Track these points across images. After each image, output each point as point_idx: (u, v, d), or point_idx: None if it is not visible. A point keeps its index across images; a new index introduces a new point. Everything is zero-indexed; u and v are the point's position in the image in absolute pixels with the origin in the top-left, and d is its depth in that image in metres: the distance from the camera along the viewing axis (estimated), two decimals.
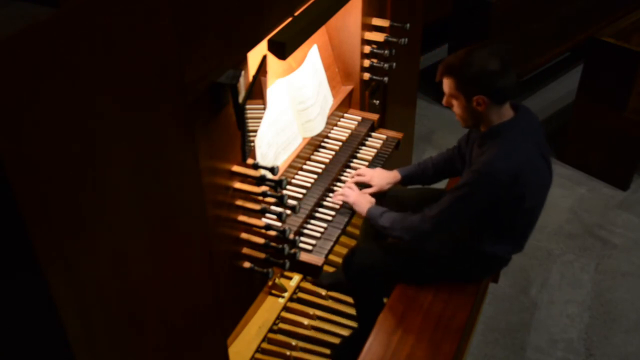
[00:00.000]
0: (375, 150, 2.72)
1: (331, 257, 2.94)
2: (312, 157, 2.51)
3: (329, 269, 2.98)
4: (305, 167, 2.46)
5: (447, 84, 2.15)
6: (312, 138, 2.48)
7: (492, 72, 2.03)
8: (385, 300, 2.47)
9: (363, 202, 2.36)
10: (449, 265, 2.36)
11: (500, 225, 2.24)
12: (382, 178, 2.51)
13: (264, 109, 1.87)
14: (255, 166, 1.85)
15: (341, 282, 2.80)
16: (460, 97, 2.12)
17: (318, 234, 2.25)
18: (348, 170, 2.59)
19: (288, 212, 1.95)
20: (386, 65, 2.69)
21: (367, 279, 2.47)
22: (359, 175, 2.52)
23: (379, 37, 2.64)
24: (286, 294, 2.81)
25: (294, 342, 2.64)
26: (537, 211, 2.26)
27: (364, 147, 2.73)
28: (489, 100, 2.07)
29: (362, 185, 2.50)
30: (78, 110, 1.08)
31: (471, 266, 2.36)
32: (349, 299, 2.83)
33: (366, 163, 2.63)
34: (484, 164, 2.08)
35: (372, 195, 2.45)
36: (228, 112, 1.68)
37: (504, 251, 2.31)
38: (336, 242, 2.26)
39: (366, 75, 2.71)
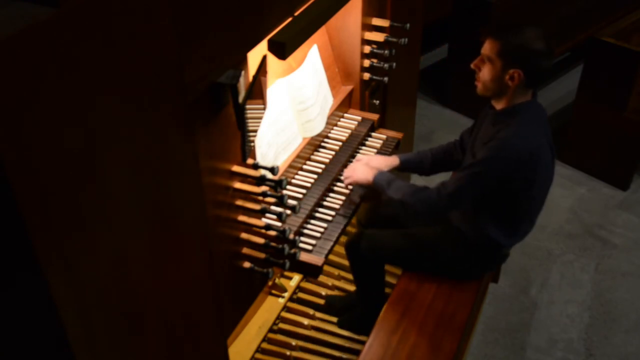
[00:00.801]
0: (375, 151, 2.72)
1: (331, 257, 2.95)
2: (312, 157, 2.51)
3: (331, 269, 2.97)
4: (305, 167, 2.46)
5: (488, 46, 2.10)
6: (312, 138, 2.48)
7: (536, 51, 2.02)
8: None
9: (364, 173, 2.37)
10: (451, 253, 2.37)
11: (504, 208, 2.24)
12: (380, 161, 2.52)
13: (264, 109, 1.87)
14: (255, 166, 1.85)
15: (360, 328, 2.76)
16: (496, 64, 2.08)
17: (318, 234, 2.25)
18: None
19: (288, 212, 1.95)
20: (386, 65, 2.69)
21: (371, 263, 2.49)
22: (357, 160, 2.54)
23: (379, 37, 2.64)
24: (286, 294, 2.81)
25: (294, 342, 2.64)
26: (540, 200, 2.27)
27: (364, 147, 2.73)
28: (524, 77, 2.06)
29: None
30: (78, 110, 1.08)
31: (470, 256, 2.36)
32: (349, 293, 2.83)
33: None
34: (502, 140, 2.08)
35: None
36: (228, 112, 1.68)
37: (506, 238, 2.31)
38: (336, 242, 2.25)
39: (366, 75, 2.71)
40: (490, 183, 2.13)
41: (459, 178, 2.17)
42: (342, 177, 2.45)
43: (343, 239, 2.83)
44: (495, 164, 2.10)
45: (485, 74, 2.13)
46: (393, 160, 2.55)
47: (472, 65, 2.18)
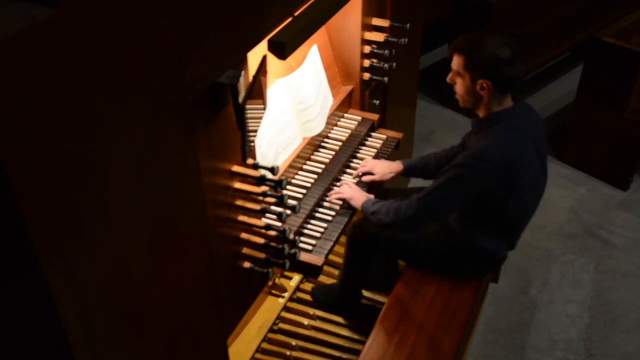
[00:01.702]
0: (375, 150, 2.72)
1: (331, 257, 2.95)
2: (312, 157, 2.51)
3: (331, 270, 2.98)
4: (305, 167, 2.46)
5: (455, 61, 2.17)
6: (312, 138, 2.48)
7: (501, 60, 2.06)
8: (384, 300, 2.47)
9: (359, 196, 2.37)
10: (443, 257, 2.38)
11: (490, 218, 2.25)
12: (384, 167, 2.54)
13: (264, 109, 1.88)
14: (255, 166, 1.85)
15: (335, 301, 2.79)
16: (465, 77, 2.15)
17: (318, 234, 2.25)
18: (348, 170, 2.60)
19: (288, 212, 1.95)
20: (386, 65, 2.69)
21: (370, 249, 2.50)
22: (363, 165, 2.56)
23: (379, 37, 2.64)
24: (286, 294, 2.81)
25: (294, 342, 2.64)
26: (529, 208, 2.27)
27: (364, 147, 2.73)
28: (493, 86, 2.10)
29: (361, 184, 2.51)
30: (78, 110, 1.08)
31: (463, 261, 2.37)
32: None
33: None
34: (477, 150, 2.11)
35: (373, 187, 2.47)
36: (228, 112, 1.68)
37: (495, 247, 2.32)
38: (336, 242, 2.26)
39: (366, 75, 2.71)
40: (464, 190, 2.14)
41: (432, 184, 2.19)
42: (335, 189, 2.42)
43: (343, 239, 2.83)
44: (467, 172, 2.10)
45: (459, 87, 2.20)
46: (397, 166, 2.57)
47: (447, 80, 2.25)
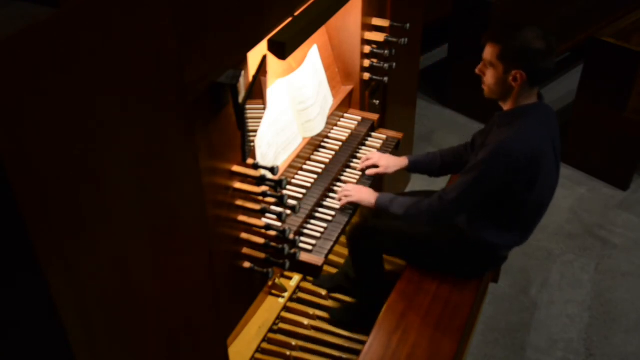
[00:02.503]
0: (375, 151, 2.72)
1: (331, 257, 2.95)
2: (312, 157, 2.51)
3: (330, 269, 2.98)
4: (305, 167, 2.46)
5: (489, 51, 2.14)
6: (312, 138, 2.48)
7: (537, 51, 2.04)
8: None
9: (367, 195, 2.36)
10: (445, 253, 2.38)
11: (503, 212, 2.24)
12: (389, 160, 2.55)
13: (264, 109, 1.87)
14: (255, 166, 1.85)
15: (342, 284, 2.81)
16: (498, 67, 2.12)
17: (318, 234, 2.25)
18: (348, 170, 2.59)
19: (288, 212, 1.95)
20: (386, 65, 2.69)
21: (372, 253, 2.52)
22: (367, 159, 2.56)
23: (379, 37, 2.64)
24: (286, 294, 2.81)
25: (294, 342, 2.64)
26: (544, 203, 2.27)
27: (364, 147, 2.73)
28: (526, 77, 2.08)
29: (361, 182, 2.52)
30: (78, 110, 1.08)
31: (466, 256, 2.37)
32: (350, 299, 2.83)
33: None
34: (501, 143, 2.10)
35: (374, 183, 2.48)
36: (228, 112, 1.68)
37: (502, 241, 2.32)
38: (336, 242, 2.25)
39: (366, 75, 2.71)
40: (491, 185, 2.14)
41: (461, 183, 2.18)
42: (339, 193, 2.40)
43: (343, 239, 2.83)
44: (494, 166, 2.10)
45: (489, 78, 2.16)
46: (402, 161, 2.57)
47: (476, 71, 2.21)
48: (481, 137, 2.37)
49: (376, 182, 2.61)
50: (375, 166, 2.55)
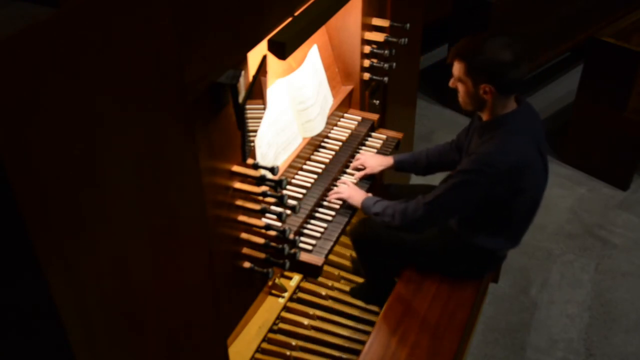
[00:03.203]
0: (375, 151, 2.72)
1: (331, 257, 2.95)
2: (312, 157, 2.51)
3: (332, 270, 2.98)
4: (305, 167, 2.46)
5: (456, 67, 2.14)
6: (312, 138, 2.48)
7: (502, 63, 2.03)
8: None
9: (357, 195, 2.37)
10: (441, 257, 2.38)
11: (492, 218, 2.25)
12: (375, 160, 2.55)
13: (264, 109, 1.87)
14: (255, 166, 1.85)
15: (371, 297, 2.81)
16: (467, 82, 2.12)
17: (318, 234, 2.25)
18: (348, 170, 2.60)
19: (288, 212, 1.95)
20: (386, 65, 2.69)
21: (375, 249, 2.52)
22: (356, 159, 2.57)
23: (379, 37, 2.64)
24: (286, 294, 2.81)
25: (294, 342, 2.64)
26: (533, 207, 2.27)
27: (364, 147, 2.73)
28: (495, 90, 2.08)
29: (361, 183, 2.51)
30: (78, 110, 1.08)
31: (462, 260, 2.37)
32: (349, 299, 2.84)
33: None
34: (483, 155, 2.10)
35: (374, 185, 2.48)
36: (228, 112, 1.68)
37: (494, 246, 2.32)
38: (336, 242, 2.26)
39: (366, 75, 2.71)
40: (472, 194, 2.14)
41: (438, 188, 2.19)
42: (331, 192, 2.41)
43: (343, 239, 2.84)
44: (473, 177, 2.10)
45: (461, 92, 2.18)
46: (388, 161, 2.57)
47: (450, 85, 2.23)
48: (465, 139, 2.38)
49: (374, 184, 2.60)
50: (363, 167, 2.55)
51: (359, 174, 2.53)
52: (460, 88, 2.17)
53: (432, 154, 2.57)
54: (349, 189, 2.39)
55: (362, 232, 2.52)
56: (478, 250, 2.32)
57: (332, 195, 2.39)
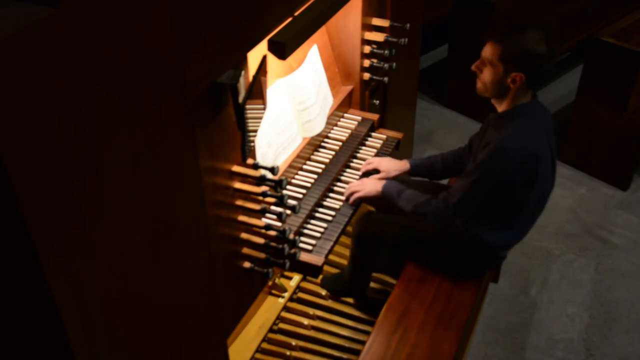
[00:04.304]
0: (375, 151, 2.72)
1: (331, 257, 2.95)
2: (312, 157, 2.51)
3: (330, 269, 2.98)
4: (305, 167, 2.46)
5: (490, 50, 2.12)
6: (312, 138, 2.48)
7: (539, 55, 2.04)
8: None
9: (372, 185, 2.37)
10: (445, 252, 2.38)
11: (502, 211, 2.24)
12: (390, 164, 2.55)
13: (264, 109, 1.87)
14: (255, 166, 1.85)
15: (346, 287, 2.80)
16: (498, 68, 2.10)
17: (318, 234, 2.25)
18: (348, 170, 2.60)
19: (288, 212, 1.95)
20: (386, 65, 2.69)
21: (372, 243, 2.52)
22: (368, 163, 2.57)
23: (379, 37, 2.64)
24: (286, 294, 2.81)
25: (294, 342, 2.64)
26: (541, 203, 2.28)
27: (364, 147, 2.73)
28: (526, 80, 2.08)
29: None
30: (78, 110, 1.08)
31: (465, 255, 2.37)
32: (350, 299, 2.83)
33: None
34: (499, 143, 2.10)
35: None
36: (228, 112, 1.68)
37: (501, 241, 2.32)
38: (336, 242, 2.26)
39: (366, 75, 2.71)
40: (492, 186, 2.15)
41: (462, 186, 2.18)
42: (345, 192, 2.41)
43: (343, 239, 2.84)
44: (494, 166, 2.11)
45: (486, 76, 2.15)
46: (403, 165, 2.57)
47: (472, 68, 2.20)
48: (477, 140, 2.38)
49: None
50: (376, 171, 2.55)
51: (374, 177, 2.51)
52: (486, 72, 2.14)
53: (447, 158, 2.56)
54: (362, 185, 2.38)
55: (366, 226, 2.51)
56: (481, 245, 2.32)
57: (352, 198, 2.38)
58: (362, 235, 2.53)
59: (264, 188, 1.87)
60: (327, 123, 2.55)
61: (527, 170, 2.11)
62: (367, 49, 2.65)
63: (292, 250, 2.00)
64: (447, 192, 2.24)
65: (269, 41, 1.80)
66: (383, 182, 2.38)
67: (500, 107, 2.22)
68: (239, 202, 1.85)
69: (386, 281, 2.85)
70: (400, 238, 2.46)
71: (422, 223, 2.39)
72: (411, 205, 2.29)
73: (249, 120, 1.73)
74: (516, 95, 2.14)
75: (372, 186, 2.38)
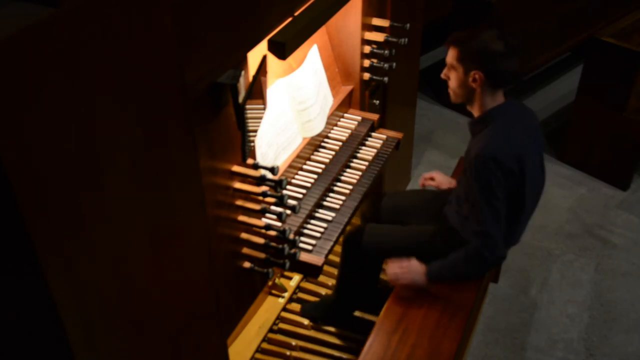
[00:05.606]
0: (375, 150, 2.72)
1: (331, 257, 2.95)
2: (312, 157, 2.51)
3: (327, 272, 2.98)
4: (305, 167, 2.46)
5: (450, 54, 2.20)
6: (312, 138, 2.48)
7: (494, 51, 2.09)
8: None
9: (417, 272, 2.30)
10: (447, 252, 2.38)
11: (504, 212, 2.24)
12: (444, 178, 2.68)
13: (264, 109, 1.88)
14: (255, 166, 1.85)
15: (330, 314, 2.75)
16: (459, 69, 2.17)
17: (318, 234, 2.25)
18: (348, 170, 2.59)
19: (288, 212, 1.95)
20: (386, 65, 2.69)
21: (367, 257, 2.51)
22: (425, 178, 2.70)
23: (379, 37, 2.64)
24: (286, 294, 2.81)
25: (294, 342, 2.64)
26: (534, 200, 2.28)
27: (364, 147, 2.73)
28: (485, 78, 2.12)
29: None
30: (78, 110, 1.08)
31: None
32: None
33: (366, 163, 2.63)
34: (481, 149, 2.10)
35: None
36: (228, 112, 1.68)
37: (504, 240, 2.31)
38: (336, 242, 2.26)
39: (366, 75, 2.71)
40: (501, 193, 2.13)
41: (479, 210, 2.15)
42: (389, 276, 2.31)
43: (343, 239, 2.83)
44: (489, 178, 2.11)
45: (452, 81, 2.22)
46: (453, 182, 2.63)
47: (442, 76, 2.27)
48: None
49: (376, 182, 2.61)
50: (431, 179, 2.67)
51: (428, 182, 2.66)
52: (452, 76, 2.21)
53: None
54: (409, 273, 2.30)
55: (359, 239, 2.49)
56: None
57: (398, 284, 2.31)
58: (353, 250, 2.51)
59: (264, 188, 1.87)
60: (327, 123, 2.55)
61: (515, 170, 2.11)
62: (367, 49, 2.65)
63: (292, 250, 2.00)
64: (474, 232, 2.20)
65: (269, 41, 1.80)
66: (423, 267, 2.30)
67: (475, 112, 2.25)
68: (239, 202, 1.85)
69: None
70: (400, 245, 2.45)
71: (413, 229, 2.40)
72: (462, 269, 2.26)
73: (249, 120, 1.73)
74: (483, 97, 2.17)
75: (416, 275, 2.29)
